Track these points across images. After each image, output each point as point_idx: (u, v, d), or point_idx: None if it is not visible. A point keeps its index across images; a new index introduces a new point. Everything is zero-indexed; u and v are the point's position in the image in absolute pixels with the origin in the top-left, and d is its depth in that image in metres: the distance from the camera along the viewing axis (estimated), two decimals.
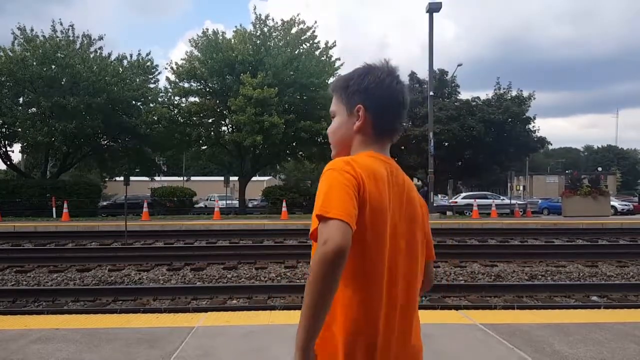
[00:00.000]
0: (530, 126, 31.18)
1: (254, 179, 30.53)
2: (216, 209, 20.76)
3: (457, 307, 6.07)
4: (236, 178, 27.69)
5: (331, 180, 1.25)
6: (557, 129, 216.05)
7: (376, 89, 1.40)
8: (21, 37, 22.87)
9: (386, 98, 1.41)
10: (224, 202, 27.86)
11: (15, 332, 4.22)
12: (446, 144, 29.66)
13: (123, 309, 6.30)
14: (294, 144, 25.59)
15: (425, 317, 4.96)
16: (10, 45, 22.77)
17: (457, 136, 28.60)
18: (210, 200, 36.36)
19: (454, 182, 42.58)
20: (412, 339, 1.40)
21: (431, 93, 22.88)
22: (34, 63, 21.88)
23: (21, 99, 23.46)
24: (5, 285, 8.15)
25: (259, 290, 7.46)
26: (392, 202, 1.34)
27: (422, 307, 6.35)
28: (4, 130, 24.21)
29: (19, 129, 22.95)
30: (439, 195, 38.38)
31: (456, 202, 30.51)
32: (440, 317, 4.88)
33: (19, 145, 26.78)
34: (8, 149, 26.25)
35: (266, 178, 52.83)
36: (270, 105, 22.03)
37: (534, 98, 30.86)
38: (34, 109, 23.18)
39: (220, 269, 9.38)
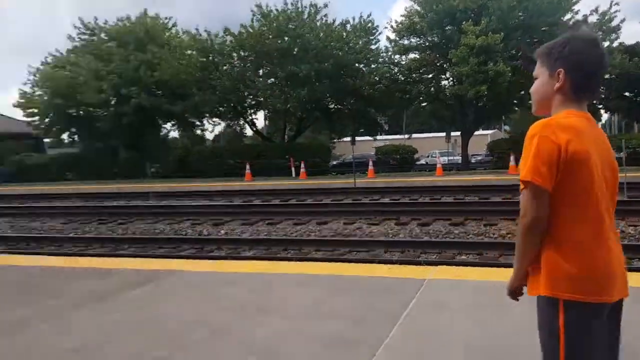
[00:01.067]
0: None
1: (477, 133, 29.25)
2: (438, 165, 20.59)
3: None
4: (458, 133, 26.93)
5: (533, 147, 1.52)
6: None
7: (576, 56, 1.61)
8: (259, 13, 25.66)
9: (584, 64, 1.61)
10: (445, 158, 27.44)
11: (273, 276, 4.88)
12: None
13: (359, 259, 6.76)
14: (521, 92, 23.53)
15: None
16: (250, 22, 25.80)
17: None
18: (431, 157, 36.23)
19: None
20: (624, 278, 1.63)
21: None
22: (270, 36, 24.43)
23: (261, 71, 26.55)
24: (260, 235, 9.50)
25: (489, 246, 7.19)
26: (595, 154, 1.55)
27: None
28: (249, 100, 27.87)
29: (261, 99, 26.10)
30: None
31: None
32: None
33: (262, 113, 30.71)
34: (253, 117, 30.42)
35: (490, 131, 50.12)
36: (494, 52, 20.58)
37: None
38: (272, 79, 26.04)
39: (446, 224, 9.33)
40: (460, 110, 25.14)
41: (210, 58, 25.86)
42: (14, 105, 29.19)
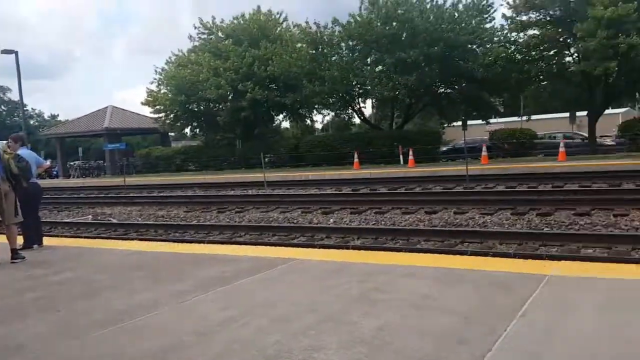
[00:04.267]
0: None
1: (606, 112, 26.57)
2: (561, 149, 19.07)
3: None
4: (584, 113, 24.69)
5: None
6: None
7: None
8: (367, 1, 25.48)
9: None
10: (570, 141, 25.29)
11: (382, 266, 4.86)
12: None
13: (472, 251, 6.50)
14: None
15: None
16: (358, 10, 25.73)
17: None
18: (550, 139, 33.64)
19: None
20: None
21: None
22: (378, 24, 24.17)
23: (369, 59, 26.41)
24: (368, 224, 9.51)
25: (620, 240, 6.54)
26: None
27: None
28: (357, 89, 27.91)
29: (369, 87, 26.00)
30: None
31: None
32: None
33: (369, 100, 30.57)
34: (361, 105, 30.43)
35: (622, 110, 45.27)
36: (627, 23, 18.50)
37: None
38: (380, 67, 25.80)
39: (570, 214, 8.65)
40: (587, 88, 23.02)
41: (320, 49, 26.26)
42: (142, 103, 31.97)
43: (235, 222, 11.21)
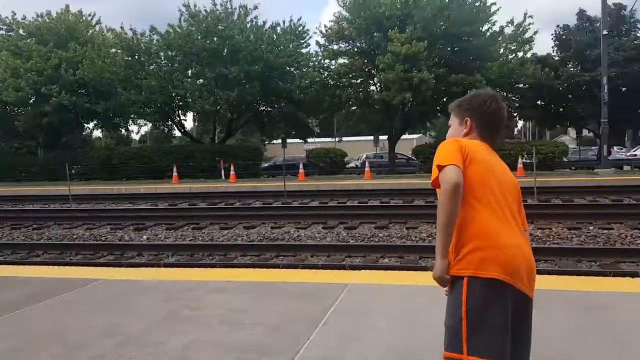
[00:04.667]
0: None
1: (403, 137, 30.14)
2: (367, 169, 21.05)
3: (634, 275, 5.41)
4: (386, 137, 27.63)
5: (443, 146, 1.92)
6: None
7: (479, 108, 2.03)
8: (187, 13, 25.05)
9: (486, 114, 2.03)
10: (374, 161, 28.09)
11: (194, 283, 4.78)
12: (624, 89, 25.89)
13: (285, 264, 6.77)
14: (444, 99, 24.56)
15: (596, 284, 4.50)
16: (178, 21, 25.15)
17: (637, 79, 24.76)
18: (360, 160, 36.96)
19: (633, 132, 37.26)
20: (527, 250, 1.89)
21: (605, 32, 20.05)
22: (199, 37, 23.92)
23: (189, 72, 25.92)
24: (184, 241, 9.27)
25: (411, 250, 7.45)
26: (492, 161, 1.94)
27: (590, 273, 5.77)
28: (177, 100, 27.14)
29: (189, 100, 25.50)
30: (615, 148, 34.10)
31: (635, 155, 26.81)
32: (613, 285, 4.39)
33: (191, 113, 29.96)
34: (182, 117, 29.65)
35: (416, 136, 51.86)
36: (419, 60, 21.33)
37: None
38: (201, 80, 25.49)
39: (372, 228, 9.55)
40: (387, 115, 25.84)
41: (136, 57, 24.98)
42: None
43: (33, 239, 9.95)
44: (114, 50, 25.64)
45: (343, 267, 6.16)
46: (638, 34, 28.50)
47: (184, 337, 3.33)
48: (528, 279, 1.83)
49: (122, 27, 25.29)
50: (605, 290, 4.15)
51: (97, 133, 37.08)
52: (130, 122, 30.09)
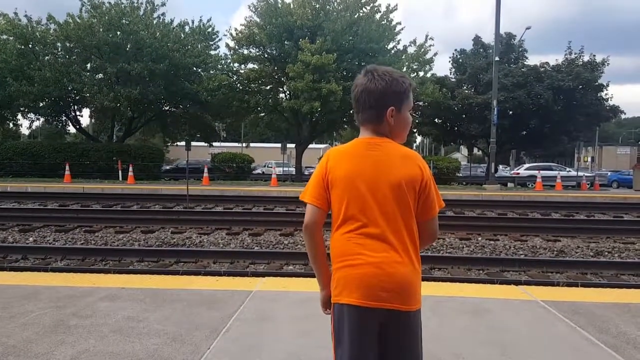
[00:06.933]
0: (603, 94, 29.23)
1: (310, 146, 30.59)
2: (273, 176, 21.05)
3: (517, 283, 5.87)
4: (293, 145, 27.87)
5: (315, 170, 1.84)
6: (635, 96, 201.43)
7: (353, 99, 1.84)
8: (88, 3, 23.57)
9: (353, 96, 1.83)
10: (281, 169, 28.19)
11: (85, 289, 4.45)
12: (510, 112, 28.37)
13: (185, 270, 6.52)
14: (351, 111, 25.30)
15: (483, 291, 4.83)
16: (79, 12, 23.59)
17: (523, 104, 27.24)
18: (267, 167, 36.89)
19: (517, 152, 40.91)
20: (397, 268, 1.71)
21: (497, 58, 21.86)
22: (101, 29, 22.60)
23: (89, 65, 24.37)
24: (75, 244, 8.63)
25: None
26: (358, 169, 1.74)
27: (478, 281, 6.19)
28: (73, 95, 25.35)
29: (87, 95, 23.94)
30: (500, 166, 37.15)
31: (518, 173, 29.41)
32: (499, 292, 4.73)
33: (88, 110, 28.12)
34: (77, 113, 27.73)
35: (323, 146, 52.90)
36: (328, 72, 21.81)
37: (608, 64, 28.77)
38: (100, 75, 24.06)
39: (277, 235, 9.52)
40: (296, 123, 26.07)
41: (30, 46, 23.05)
42: None
43: None
44: (5, 37, 23.43)
45: (247, 274, 6.07)
46: (525, 62, 31.45)
47: (71, 348, 3.07)
48: (392, 293, 1.68)
49: (15, 13, 23.23)
50: (491, 297, 4.46)
51: None
52: (20, 115, 27.59)
